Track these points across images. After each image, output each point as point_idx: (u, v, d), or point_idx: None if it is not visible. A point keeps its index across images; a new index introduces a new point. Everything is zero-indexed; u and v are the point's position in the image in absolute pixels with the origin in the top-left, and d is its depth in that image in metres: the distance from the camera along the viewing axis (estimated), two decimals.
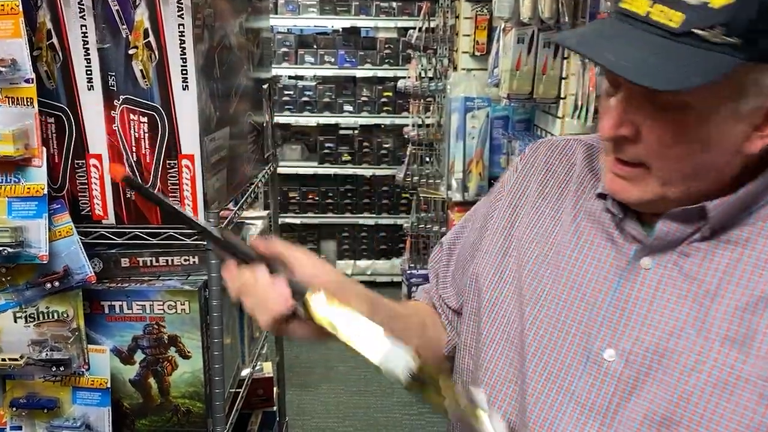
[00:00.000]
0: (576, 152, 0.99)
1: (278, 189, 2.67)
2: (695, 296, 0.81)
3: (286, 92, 5.61)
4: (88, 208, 1.56)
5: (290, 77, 5.85)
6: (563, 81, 2.88)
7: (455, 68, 4.02)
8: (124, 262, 1.65)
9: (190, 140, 1.52)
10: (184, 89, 1.48)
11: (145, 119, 1.50)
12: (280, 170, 5.70)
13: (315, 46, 5.70)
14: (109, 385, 1.59)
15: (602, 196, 0.90)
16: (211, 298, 1.60)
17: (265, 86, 2.30)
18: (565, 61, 2.89)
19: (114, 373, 1.63)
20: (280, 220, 5.67)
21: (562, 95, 2.83)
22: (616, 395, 0.81)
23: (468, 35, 3.91)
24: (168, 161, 1.52)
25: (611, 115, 0.80)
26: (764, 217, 0.82)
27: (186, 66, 1.47)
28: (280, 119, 5.60)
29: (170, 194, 1.54)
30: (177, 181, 1.53)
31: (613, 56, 0.74)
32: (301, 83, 5.72)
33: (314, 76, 5.81)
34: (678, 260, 0.83)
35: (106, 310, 1.62)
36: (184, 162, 1.52)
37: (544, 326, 0.88)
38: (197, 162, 1.53)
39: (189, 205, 1.55)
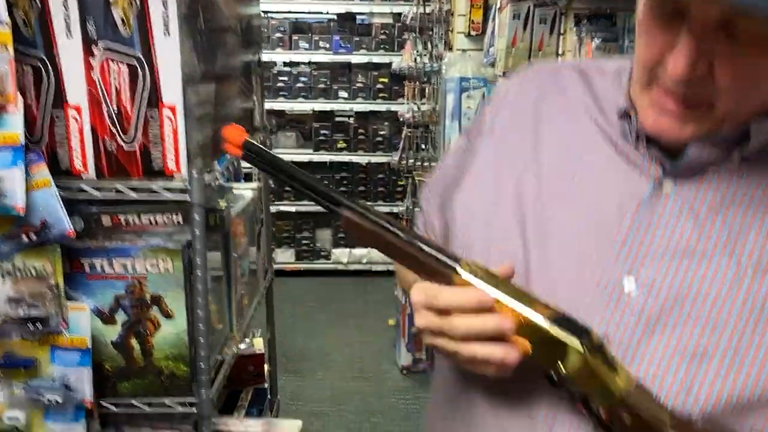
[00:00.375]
0: (566, 77, 0.92)
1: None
2: (724, 223, 0.75)
3: (281, 78, 5.56)
4: (67, 162, 1.51)
5: (285, 63, 5.81)
6: (559, 57, 2.84)
7: (450, 49, 3.98)
8: (106, 220, 1.61)
9: (172, 90, 1.47)
10: (165, 36, 1.43)
11: (126, 68, 1.45)
12: None
13: (310, 32, 5.65)
14: (89, 345, 1.53)
15: (625, 116, 0.81)
16: (195, 257, 1.55)
17: (255, 56, 2.27)
18: (561, 37, 2.85)
19: (95, 334, 1.58)
20: (276, 209, 5.66)
21: None
22: (638, 329, 0.74)
23: (463, 15, 3.87)
24: (149, 112, 1.48)
25: (682, 50, 0.69)
26: None
27: (167, 12, 1.42)
28: (275, 105, 5.55)
29: (152, 146, 1.49)
30: (159, 133, 1.48)
31: None
32: (295, 69, 5.67)
33: (309, 62, 5.76)
34: (706, 185, 0.77)
35: (87, 269, 1.57)
36: (166, 113, 1.48)
37: (555, 259, 0.80)
38: (179, 113, 1.48)
39: (172, 159, 1.50)
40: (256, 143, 0.85)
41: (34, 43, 1.44)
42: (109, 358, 1.62)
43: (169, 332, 1.60)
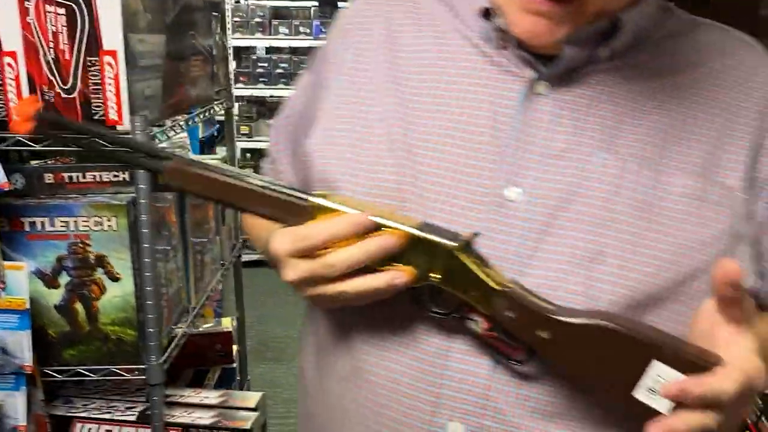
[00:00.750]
0: None
1: (234, 132, 2.54)
2: (603, 120, 0.72)
3: (260, 64, 5.48)
4: (4, 113, 1.42)
5: (267, 50, 5.73)
6: None
7: None
8: (48, 177, 1.53)
9: (112, 35, 1.38)
10: None
11: (63, 11, 1.37)
12: (255, 145, 5.59)
13: (290, 18, 5.57)
14: (28, 306, 1.45)
15: (486, 14, 0.75)
16: (141, 214, 1.46)
17: (219, 39, 2.19)
18: None
19: (37, 297, 1.50)
20: None
21: None
22: (529, 237, 0.69)
23: None
24: (89, 58, 1.39)
25: None
26: (662, 41, 0.76)
27: None
28: (255, 92, 5.47)
29: (92, 95, 1.41)
30: (99, 80, 1.40)
31: None
32: (275, 55, 5.59)
33: (289, 47, 5.68)
34: (576, 83, 0.73)
35: (27, 228, 1.48)
36: (107, 59, 1.39)
37: (431, 181, 0.73)
38: (120, 59, 1.39)
39: (113, 108, 1.41)
40: (52, 113, 0.77)
41: None
42: (53, 323, 1.54)
43: (116, 295, 1.52)
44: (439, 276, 0.67)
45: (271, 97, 5.63)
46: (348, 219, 0.67)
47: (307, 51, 5.59)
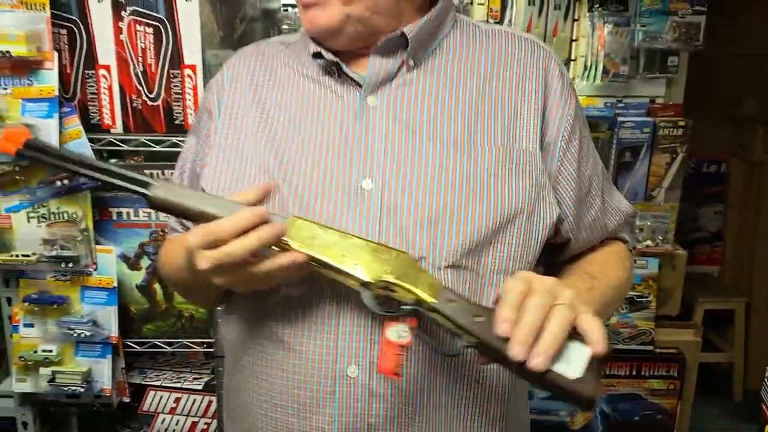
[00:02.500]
0: (269, 49, 1.03)
1: None
2: (422, 116, 0.89)
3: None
4: (98, 117, 1.65)
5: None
6: (573, 43, 2.92)
7: None
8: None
9: (192, 51, 1.60)
10: (187, 0, 1.56)
11: (151, 30, 1.59)
12: None
13: None
14: (115, 285, 1.68)
15: (317, 55, 0.92)
16: None
17: (275, 27, 2.39)
18: (575, 23, 2.94)
19: (122, 278, 1.72)
20: None
21: (572, 57, 2.86)
22: (384, 214, 0.86)
23: (482, 4, 3.96)
24: (172, 71, 1.61)
25: None
26: (450, 47, 0.93)
27: None
28: None
29: (174, 103, 1.63)
30: (180, 90, 1.62)
31: None
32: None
33: None
34: (396, 91, 0.90)
35: (114, 217, 1.71)
36: (187, 72, 1.61)
37: (302, 185, 0.89)
38: (199, 72, 1.61)
39: (192, 115, 1.64)
40: (39, 140, 0.86)
41: (69, 8, 1.59)
42: (134, 301, 1.76)
43: None
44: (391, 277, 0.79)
45: None
46: (249, 212, 0.78)
47: None
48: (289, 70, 0.97)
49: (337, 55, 0.91)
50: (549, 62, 0.95)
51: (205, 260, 0.77)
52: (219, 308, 1.09)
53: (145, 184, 0.82)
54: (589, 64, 2.59)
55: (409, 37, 0.89)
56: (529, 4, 3.19)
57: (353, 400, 0.86)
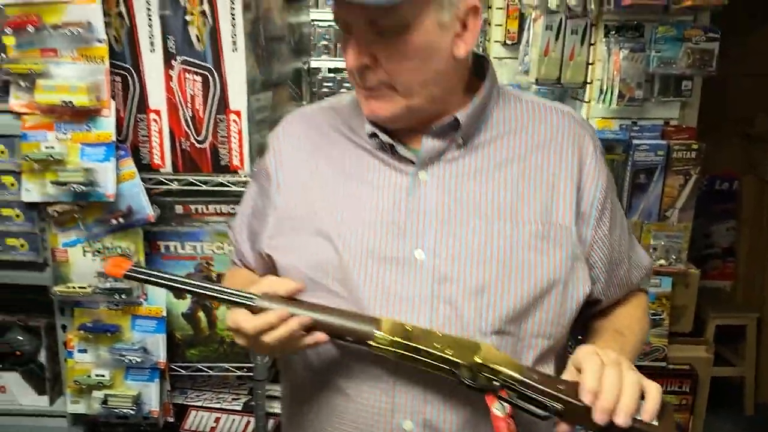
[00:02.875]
0: (318, 116, 1.12)
1: None
2: (468, 192, 0.99)
3: (326, 84, 5.81)
4: (148, 158, 1.77)
5: (330, 70, 6.06)
6: (589, 66, 3.00)
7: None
8: (178, 209, 1.86)
9: (237, 97, 1.72)
10: (233, 51, 1.68)
11: (199, 78, 1.71)
12: None
13: None
14: (164, 314, 1.79)
15: (373, 135, 1.01)
16: None
17: (305, 64, 2.52)
18: (591, 48, 3.03)
19: (168, 307, 1.84)
20: None
21: (589, 80, 2.93)
22: (435, 283, 0.95)
23: (500, 25, 4.05)
24: (218, 116, 1.73)
25: (351, 51, 0.95)
26: (495, 124, 1.03)
27: (235, 30, 1.67)
28: None
29: (220, 145, 1.74)
30: (226, 134, 1.74)
31: None
32: (339, 75, 5.93)
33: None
34: (446, 167, 1.00)
35: (162, 250, 1.83)
36: (232, 117, 1.73)
37: (359, 254, 0.98)
38: (244, 117, 1.73)
39: (236, 156, 1.75)
40: (139, 268, 0.98)
41: (123, 56, 1.71)
42: (180, 328, 1.88)
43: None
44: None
45: None
46: (271, 317, 0.91)
47: None
48: (343, 139, 1.07)
49: (391, 132, 1.02)
50: (584, 137, 1.05)
51: (242, 341, 0.94)
52: None
53: (250, 299, 0.94)
54: (605, 88, 2.68)
55: (461, 122, 0.99)
56: (546, 29, 3.29)
57: None
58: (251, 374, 1.91)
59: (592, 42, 3.07)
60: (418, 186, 1.00)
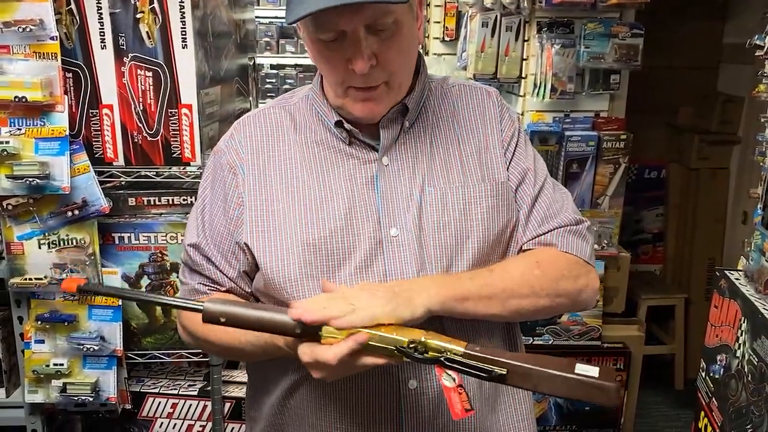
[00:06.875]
0: (269, 116, 1.15)
1: None
2: (422, 166, 1.09)
3: (268, 80, 5.86)
4: (101, 152, 1.82)
5: (272, 66, 6.11)
6: (524, 62, 3.13)
7: (427, 53, 4.28)
8: (131, 201, 1.92)
9: (188, 92, 1.78)
10: (183, 48, 1.74)
11: (150, 74, 1.77)
12: None
13: (296, 37, 5.96)
14: (120, 303, 1.85)
15: (339, 123, 1.08)
16: None
17: (251, 60, 2.58)
18: (525, 44, 3.16)
19: None
20: None
21: (523, 75, 3.05)
22: (413, 254, 1.05)
23: (438, 22, 4.16)
24: (169, 110, 1.79)
25: (359, 55, 0.97)
26: (432, 105, 1.14)
27: (185, 28, 1.73)
28: (262, 106, 5.82)
29: (172, 138, 1.81)
30: (177, 128, 1.80)
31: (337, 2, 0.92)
32: (282, 72, 5.98)
33: (295, 65, 6.07)
34: (401, 150, 1.10)
35: (117, 241, 1.88)
36: (184, 111, 1.79)
37: (340, 236, 1.05)
38: (194, 111, 1.79)
39: (188, 149, 1.82)
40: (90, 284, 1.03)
41: (75, 53, 1.75)
42: (135, 317, 1.94)
43: None
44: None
45: None
46: (338, 351, 0.91)
47: (311, 67, 5.97)
48: (300, 137, 1.12)
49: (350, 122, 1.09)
50: (496, 103, 1.17)
51: (318, 373, 0.94)
52: None
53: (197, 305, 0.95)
54: (538, 82, 2.80)
55: (409, 107, 1.09)
56: (482, 26, 3.41)
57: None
58: (207, 359, 1.98)
59: (526, 38, 3.18)
60: (383, 170, 1.08)
